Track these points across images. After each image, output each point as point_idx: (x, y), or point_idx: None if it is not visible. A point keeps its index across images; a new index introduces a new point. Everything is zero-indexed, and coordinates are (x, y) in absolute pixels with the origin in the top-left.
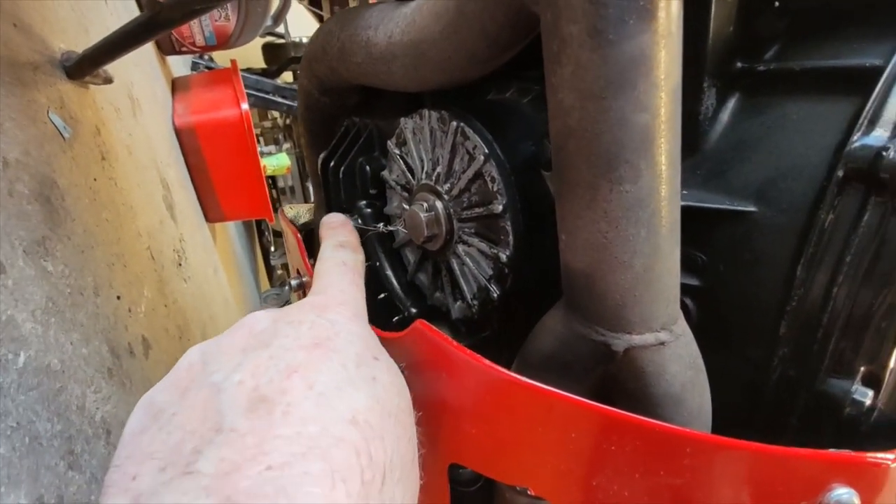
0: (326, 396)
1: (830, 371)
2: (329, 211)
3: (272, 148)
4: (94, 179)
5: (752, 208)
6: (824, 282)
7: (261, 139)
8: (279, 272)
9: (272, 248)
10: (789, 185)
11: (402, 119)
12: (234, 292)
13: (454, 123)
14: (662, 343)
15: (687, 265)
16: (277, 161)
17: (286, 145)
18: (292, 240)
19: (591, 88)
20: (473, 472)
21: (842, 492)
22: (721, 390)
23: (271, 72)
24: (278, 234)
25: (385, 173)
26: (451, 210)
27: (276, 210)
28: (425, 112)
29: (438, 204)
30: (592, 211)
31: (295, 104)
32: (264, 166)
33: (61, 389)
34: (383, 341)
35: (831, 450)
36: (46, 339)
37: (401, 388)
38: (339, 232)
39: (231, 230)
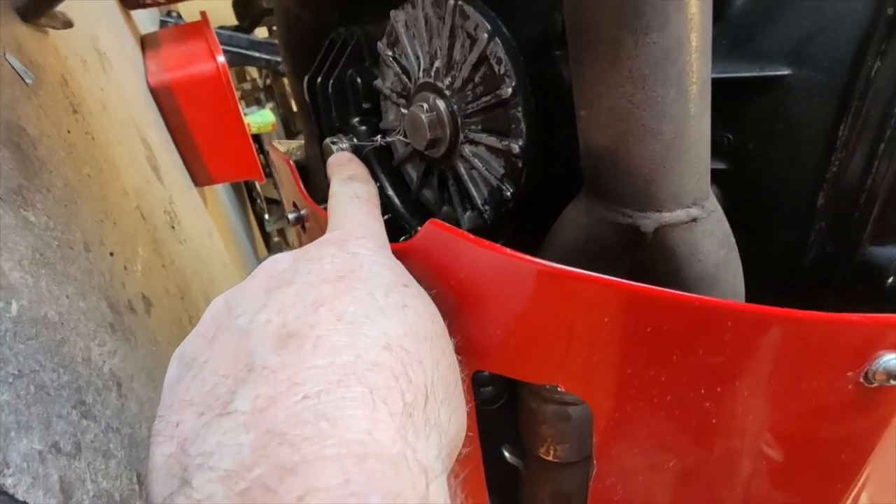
0: (356, 325)
1: (873, 239)
2: (321, 134)
3: (254, 109)
4: (68, 132)
5: (786, 72)
6: (870, 139)
7: (242, 102)
8: (276, 239)
9: (266, 215)
10: (830, 39)
11: (393, 12)
12: (231, 258)
13: (451, 2)
14: (694, 219)
15: (712, 148)
16: (262, 118)
17: (269, 105)
18: (285, 170)
19: None
20: (495, 389)
21: (890, 357)
22: (751, 277)
23: (244, 28)
24: (271, 201)
25: (378, 82)
26: (455, 107)
27: (267, 174)
28: None
29: (440, 102)
30: (616, 72)
31: (273, 58)
32: (248, 124)
33: (63, 341)
34: (394, 252)
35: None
36: (39, 291)
37: (434, 314)
38: (346, 167)
39: (223, 197)
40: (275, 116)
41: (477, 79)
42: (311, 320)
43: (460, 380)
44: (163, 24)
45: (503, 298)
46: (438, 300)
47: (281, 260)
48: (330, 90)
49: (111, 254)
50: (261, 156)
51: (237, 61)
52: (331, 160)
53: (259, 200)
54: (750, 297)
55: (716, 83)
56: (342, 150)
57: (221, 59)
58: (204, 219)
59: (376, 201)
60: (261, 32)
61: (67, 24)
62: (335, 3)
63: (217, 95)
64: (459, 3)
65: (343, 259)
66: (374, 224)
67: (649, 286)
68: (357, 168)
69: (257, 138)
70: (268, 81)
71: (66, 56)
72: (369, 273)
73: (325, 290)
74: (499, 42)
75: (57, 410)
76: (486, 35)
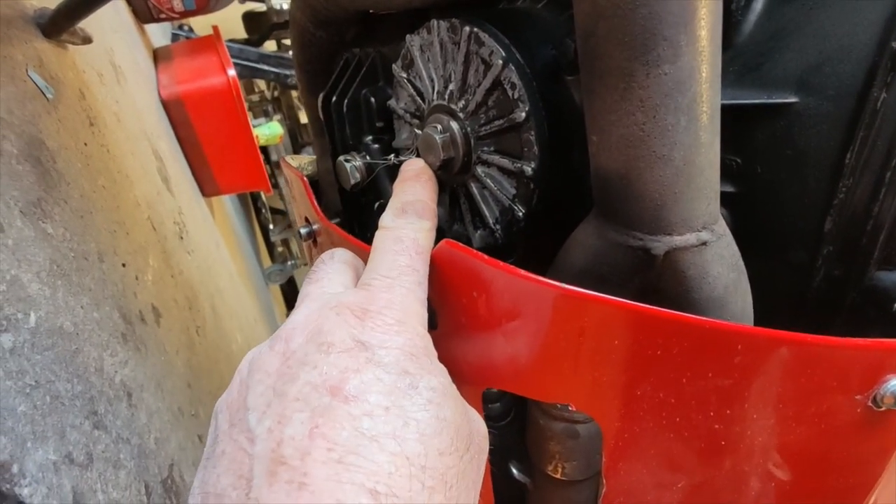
0: (345, 465)
1: (881, 264)
2: (335, 151)
3: (262, 121)
4: (85, 144)
5: (793, 99)
6: (876, 167)
7: (250, 113)
8: (280, 249)
9: (271, 225)
10: (836, 69)
11: (408, 36)
12: (237, 268)
13: (467, 29)
14: (704, 243)
15: (721, 171)
16: (270, 130)
17: (276, 117)
18: (298, 185)
19: None
20: (503, 406)
21: None
22: (761, 299)
23: (254, 41)
24: (276, 212)
25: (392, 102)
26: (468, 129)
27: (274, 184)
28: (433, 23)
29: (454, 124)
30: (627, 101)
31: (282, 71)
32: (257, 136)
33: (77, 351)
34: None
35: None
36: (56, 302)
37: (450, 409)
38: (407, 188)
39: (229, 208)
40: (282, 128)
41: (490, 102)
42: (303, 447)
43: (483, 465)
44: (175, 37)
45: (515, 317)
46: (450, 317)
47: (297, 332)
48: (344, 109)
49: (123, 264)
50: (268, 167)
51: (246, 74)
52: (402, 168)
53: (264, 210)
54: (759, 320)
55: (724, 109)
56: (355, 167)
57: (232, 72)
58: (211, 229)
59: (425, 241)
60: (269, 46)
61: (87, 40)
62: (350, 24)
63: (227, 108)
64: (474, 29)
65: (350, 355)
66: (408, 282)
67: (659, 309)
68: (420, 192)
69: (265, 150)
70: (276, 94)
71: (83, 70)
72: (371, 379)
73: (324, 401)
74: (513, 68)
75: (70, 420)
76: (500, 61)
